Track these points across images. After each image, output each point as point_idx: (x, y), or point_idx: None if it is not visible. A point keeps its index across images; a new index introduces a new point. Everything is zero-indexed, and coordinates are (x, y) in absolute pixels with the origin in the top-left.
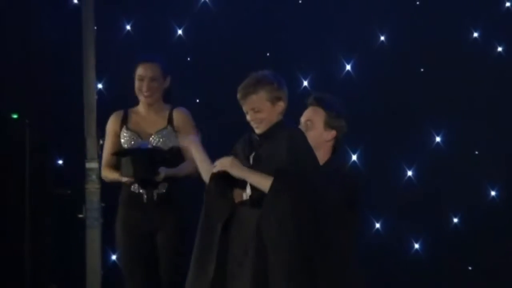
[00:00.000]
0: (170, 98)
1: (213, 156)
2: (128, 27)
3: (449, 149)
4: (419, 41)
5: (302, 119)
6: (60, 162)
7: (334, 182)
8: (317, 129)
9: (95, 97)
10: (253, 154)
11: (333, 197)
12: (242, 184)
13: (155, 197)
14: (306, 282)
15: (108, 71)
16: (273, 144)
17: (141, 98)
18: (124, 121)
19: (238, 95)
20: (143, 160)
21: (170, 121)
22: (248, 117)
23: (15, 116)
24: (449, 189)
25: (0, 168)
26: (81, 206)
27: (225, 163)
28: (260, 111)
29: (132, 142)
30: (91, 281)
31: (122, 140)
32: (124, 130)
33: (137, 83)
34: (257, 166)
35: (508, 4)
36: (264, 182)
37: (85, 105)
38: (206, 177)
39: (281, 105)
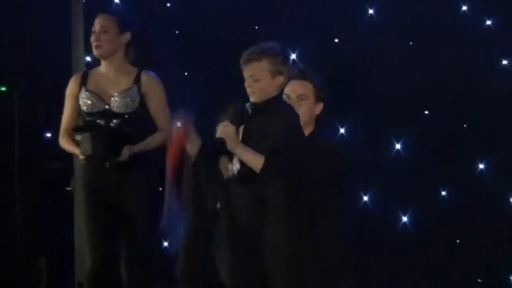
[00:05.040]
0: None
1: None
2: (117, 0)
3: (438, 121)
4: (408, 14)
5: (291, 93)
6: (49, 135)
7: (321, 160)
8: (309, 104)
9: (84, 69)
10: (243, 126)
11: (319, 175)
12: (229, 156)
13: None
14: (296, 268)
15: None
16: (266, 119)
17: (94, 51)
18: (83, 82)
19: (241, 60)
20: (105, 139)
21: (137, 83)
22: (246, 84)
23: (3, 88)
24: (437, 162)
25: None
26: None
27: (228, 133)
28: (259, 80)
29: (90, 102)
30: (80, 255)
31: (81, 102)
32: (83, 91)
33: (91, 37)
34: (248, 141)
35: None
36: (256, 162)
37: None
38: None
39: (281, 79)
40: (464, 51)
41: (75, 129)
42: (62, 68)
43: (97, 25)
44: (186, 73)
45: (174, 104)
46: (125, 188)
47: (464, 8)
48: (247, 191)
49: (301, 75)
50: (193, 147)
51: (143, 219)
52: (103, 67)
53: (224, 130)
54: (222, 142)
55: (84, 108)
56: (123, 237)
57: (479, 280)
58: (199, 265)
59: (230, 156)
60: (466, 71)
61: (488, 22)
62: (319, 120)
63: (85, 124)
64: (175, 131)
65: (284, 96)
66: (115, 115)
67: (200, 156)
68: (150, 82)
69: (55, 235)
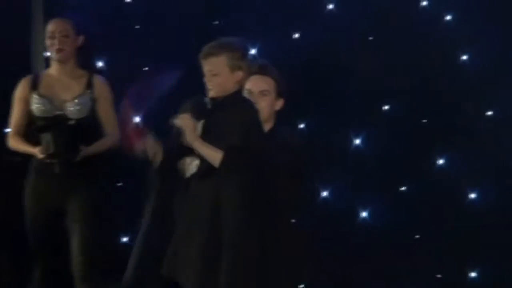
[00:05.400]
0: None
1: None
2: None
3: (397, 117)
4: (368, 9)
5: (254, 89)
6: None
7: (280, 156)
8: (271, 99)
9: (43, 64)
10: (202, 121)
11: (279, 171)
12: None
13: (66, 167)
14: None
15: None
16: (226, 115)
17: (53, 55)
18: (34, 86)
19: (201, 55)
20: (65, 137)
21: (89, 88)
22: (205, 78)
23: None
24: (396, 158)
25: None
26: None
27: (188, 125)
28: (217, 74)
29: (43, 107)
30: None
31: (33, 107)
32: (34, 95)
33: (48, 41)
34: (207, 136)
35: None
36: (214, 156)
37: (32, 72)
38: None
39: (240, 75)
40: (423, 46)
41: (40, 129)
42: (21, 63)
43: (55, 29)
44: (146, 69)
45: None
46: (75, 186)
47: (424, 3)
48: (206, 187)
49: (263, 71)
50: (155, 153)
51: (91, 214)
52: (55, 70)
53: (184, 122)
54: (179, 133)
55: (37, 112)
56: (72, 233)
57: (438, 276)
58: (154, 266)
59: (189, 151)
60: (425, 66)
61: (448, 17)
62: (279, 115)
63: (46, 124)
64: (131, 127)
65: (245, 91)
66: (68, 120)
67: (164, 164)
68: (101, 88)
69: (16, 230)
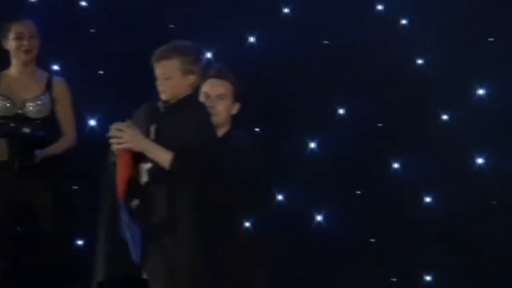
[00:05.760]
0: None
1: None
2: None
3: (353, 121)
4: (323, 13)
5: (211, 92)
6: None
7: (235, 159)
8: (228, 103)
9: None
10: (155, 125)
11: (233, 175)
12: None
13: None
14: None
15: None
16: (179, 118)
17: (21, 56)
18: None
19: (153, 58)
20: (20, 144)
21: (48, 88)
22: (157, 82)
23: None
24: (352, 162)
25: None
26: None
27: (128, 138)
28: (169, 78)
29: (2, 106)
30: None
31: None
32: None
33: (15, 42)
34: (160, 140)
35: None
36: (164, 158)
37: None
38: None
39: (192, 79)
40: (379, 50)
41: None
42: None
43: (24, 30)
44: (101, 72)
45: (87, 103)
46: (35, 186)
47: (379, 7)
48: (159, 190)
49: (220, 74)
50: None
51: (50, 214)
52: (16, 71)
53: (124, 138)
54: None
55: None
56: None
57: (393, 280)
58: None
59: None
60: (381, 70)
61: (403, 22)
62: (235, 119)
63: (2, 130)
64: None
65: (202, 95)
66: (28, 119)
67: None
68: (60, 88)
69: None
